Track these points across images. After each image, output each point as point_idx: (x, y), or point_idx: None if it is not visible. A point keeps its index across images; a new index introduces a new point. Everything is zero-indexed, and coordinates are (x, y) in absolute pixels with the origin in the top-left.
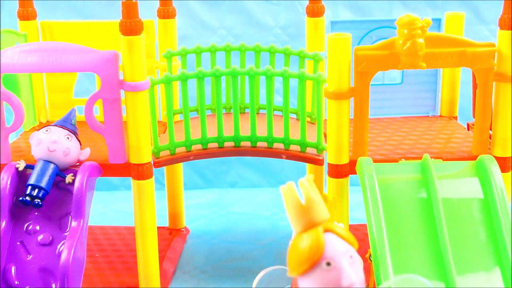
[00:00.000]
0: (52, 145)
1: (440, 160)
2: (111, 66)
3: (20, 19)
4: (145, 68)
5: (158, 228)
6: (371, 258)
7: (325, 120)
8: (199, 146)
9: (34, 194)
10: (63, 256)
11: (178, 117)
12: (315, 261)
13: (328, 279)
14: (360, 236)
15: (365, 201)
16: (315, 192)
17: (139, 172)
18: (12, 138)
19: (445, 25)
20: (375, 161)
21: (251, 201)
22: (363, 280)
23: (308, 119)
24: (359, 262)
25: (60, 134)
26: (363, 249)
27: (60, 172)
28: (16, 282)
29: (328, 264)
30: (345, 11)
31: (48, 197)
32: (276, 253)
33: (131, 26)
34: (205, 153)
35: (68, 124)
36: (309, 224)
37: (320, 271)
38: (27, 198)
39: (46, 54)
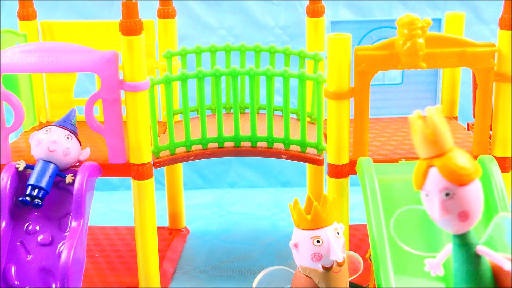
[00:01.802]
0: (52, 145)
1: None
2: (111, 66)
3: (20, 19)
4: (145, 68)
5: (158, 228)
6: (371, 258)
7: (325, 120)
8: (199, 146)
9: (34, 194)
10: (63, 256)
11: (178, 117)
12: (418, 188)
13: (427, 206)
14: (360, 236)
15: (365, 201)
16: (433, 130)
17: (139, 172)
18: (12, 138)
19: (445, 25)
20: (375, 161)
21: (251, 201)
22: (457, 214)
23: (308, 119)
24: (459, 199)
25: (60, 134)
26: (363, 249)
27: (60, 172)
28: (16, 282)
29: (427, 195)
30: (345, 11)
31: (48, 197)
32: (276, 253)
33: (131, 26)
34: (205, 153)
35: (68, 124)
36: (424, 155)
37: (424, 197)
38: (27, 198)
39: (46, 54)
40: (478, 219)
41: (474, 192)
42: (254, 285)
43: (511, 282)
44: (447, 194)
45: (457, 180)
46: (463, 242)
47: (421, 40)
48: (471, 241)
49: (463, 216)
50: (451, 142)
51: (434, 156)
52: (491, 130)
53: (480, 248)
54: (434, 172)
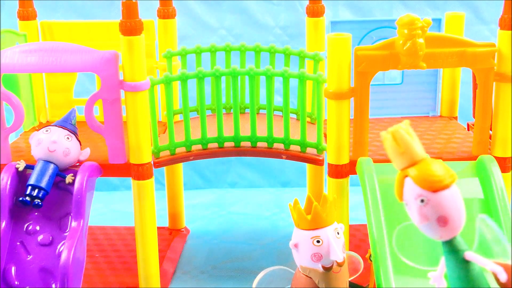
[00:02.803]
0: (52, 145)
1: (440, 160)
2: (111, 66)
3: (20, 19)
4: (145, 68)
5: (158, 228)
6: (371, 258)
7: (325, 120)
8: (199, 146)
9: (34, 194)
10: (63, 256)
11: (178, 117)
12: (400, 200)
13: (410, 216)
14: (360, 236)
15: (365, 201)
16: (400, 142)
17: (139, 172)
18: (12, 138)
19: (445, 25)
20: (375, 161)
21: (251, 201)
22: (436, 219)
23: (308, 119)
24: (434, 204)
25: (60, 134)
26: (363, 249)
27: (60, 172)
28: (16, 282)
29: (406, 204)
30: (345, 11)
31: (48, 197)
32: (276, 253)
33: (131, 26)
34: (205, 153)
35: (68, 124)
36: (398, 167)
37: (406, 207)
38: (27, 198)
39: (46, 54)
40: (461, 224)
41: (450, 198)
42: (254, 285)
43: (508, 283)
44: (422, 201)
45: (429, 186)
46: (451, 248)
47: (421, 40)
48: (459, 248)
49: (442, 221)
50: (421, 152)
51: (407, 166)
52: (491, 130)
53: (468, 254)
54: (408, 181)
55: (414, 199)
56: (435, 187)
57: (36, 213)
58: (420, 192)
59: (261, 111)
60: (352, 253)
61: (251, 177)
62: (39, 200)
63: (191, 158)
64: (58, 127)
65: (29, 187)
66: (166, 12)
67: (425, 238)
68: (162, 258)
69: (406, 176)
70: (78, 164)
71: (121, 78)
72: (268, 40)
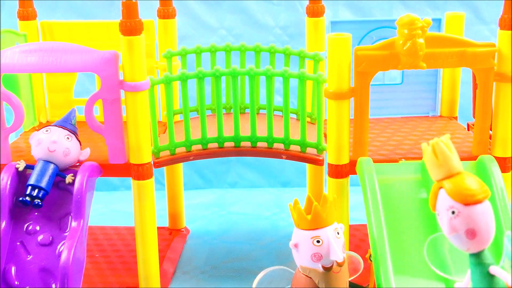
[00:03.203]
0: (52, 145)
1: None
2: (111, 66)
3: (20, 19)
4: (145, 68)
5: (158, 228)
6: (371, 258)
7: (325, 120)
8: (199, 146)
9: (34, 194)
10: (63, 256)
11: (178, 117)
12: (433, 210)
13: (440, 225)
14: (360, 236)
15: (365, 201)
16: (439, 154)
17: (139, 172)
18: (12, 138)
19: (445, 25)
20: (375, 161)
21: (251, 201)
22: (464, 231)
23: (308, 119)
24: (464, 217)
25: (60, 134)
26: (363, 249)
27: (60, 172)
28: (16, 282)
29: (438, 214)
30: (345, 11)
31: (48, 197)
32: (276, 253)
33: (131, 26)
34: (205, 153)
35: (68, 124)
36: (434, 178)
37: (437, 217)
38: (27, 198)
39: (46, 54)
40: (489, 239)
41: (481, 212)
42: (254, 285)
43: None
44: (453, 212)
45: (461, 199)
46: (477, 261)
47: (421, 40)
48: (485, 261)
49: (470, 234)
50: (458, 166)
51: (443, 178)
52: (491, 130)
53: (493, 269)
54: (442, 192)
55: (446, 210)
56: (467, 200)
57: (36, 213)
58: (452, 204)
59: (261, 111)
60: (352, 253)
61: (251, 177)
62: (39, 200)
63: (191, 158)
64: (58, 127)
65: (29, 187)
66: (166, 12)
67: (455, 248)
68: (162, 258)
69: (441, 187)
70: (78, 164)
71: (121, 78)
72: (268, 40)
